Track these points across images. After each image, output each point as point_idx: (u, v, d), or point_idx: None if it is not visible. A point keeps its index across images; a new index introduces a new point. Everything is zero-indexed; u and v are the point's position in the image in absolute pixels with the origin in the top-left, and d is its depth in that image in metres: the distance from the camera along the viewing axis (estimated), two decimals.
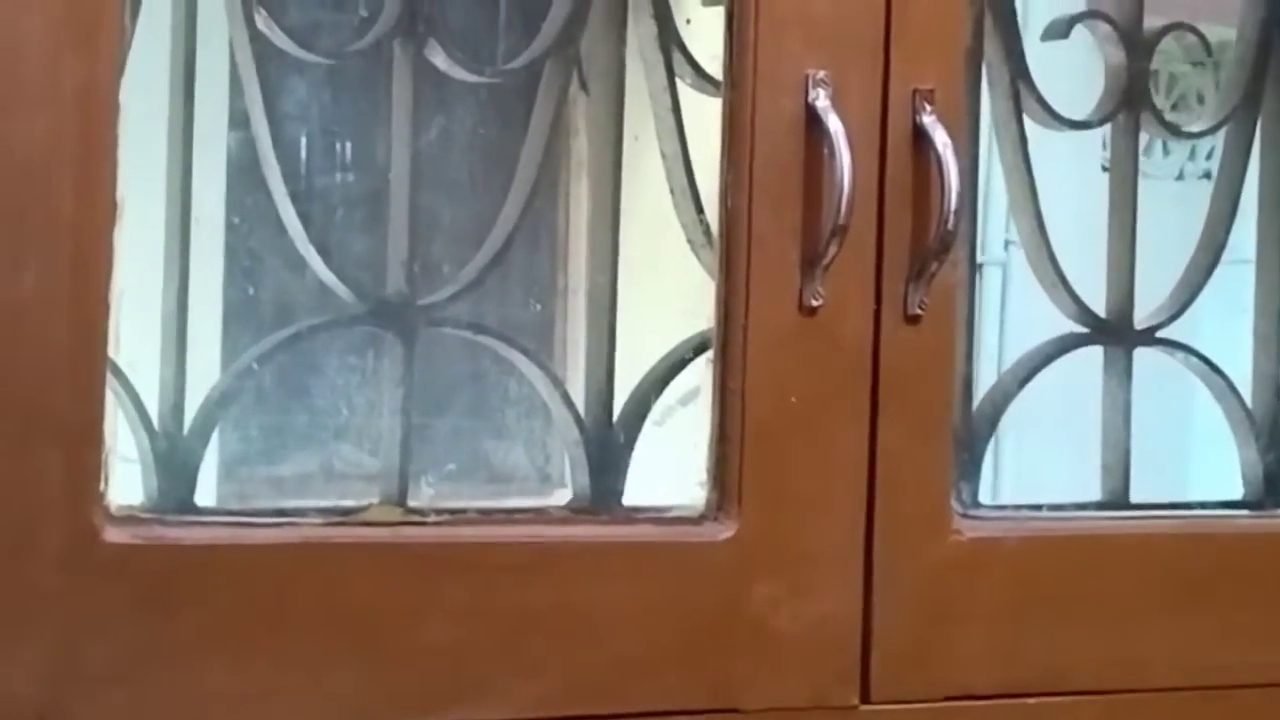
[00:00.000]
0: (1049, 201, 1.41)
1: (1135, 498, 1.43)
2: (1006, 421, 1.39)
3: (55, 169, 1.06)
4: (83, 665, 1.05)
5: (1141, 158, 1.42)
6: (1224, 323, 1.55)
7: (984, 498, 1.36)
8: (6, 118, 1.04)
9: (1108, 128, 1.44)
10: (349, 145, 1.48)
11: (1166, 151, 2.60)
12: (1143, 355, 1.46)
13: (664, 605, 1.20)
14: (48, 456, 1.05)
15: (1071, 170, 1.47)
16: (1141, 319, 1.45)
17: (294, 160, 1.28)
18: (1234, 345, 1.51)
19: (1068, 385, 1.45)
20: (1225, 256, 1.49)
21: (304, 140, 1.47)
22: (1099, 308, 1.43)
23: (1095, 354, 1.45)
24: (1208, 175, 1.53)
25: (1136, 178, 1.45)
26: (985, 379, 1.41)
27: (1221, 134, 1.49)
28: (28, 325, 1.05)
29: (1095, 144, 1.46)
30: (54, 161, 1.06)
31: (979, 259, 2.57)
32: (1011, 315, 2.54)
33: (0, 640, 1.03)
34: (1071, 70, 1.50)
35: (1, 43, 1.04)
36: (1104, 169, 1.47)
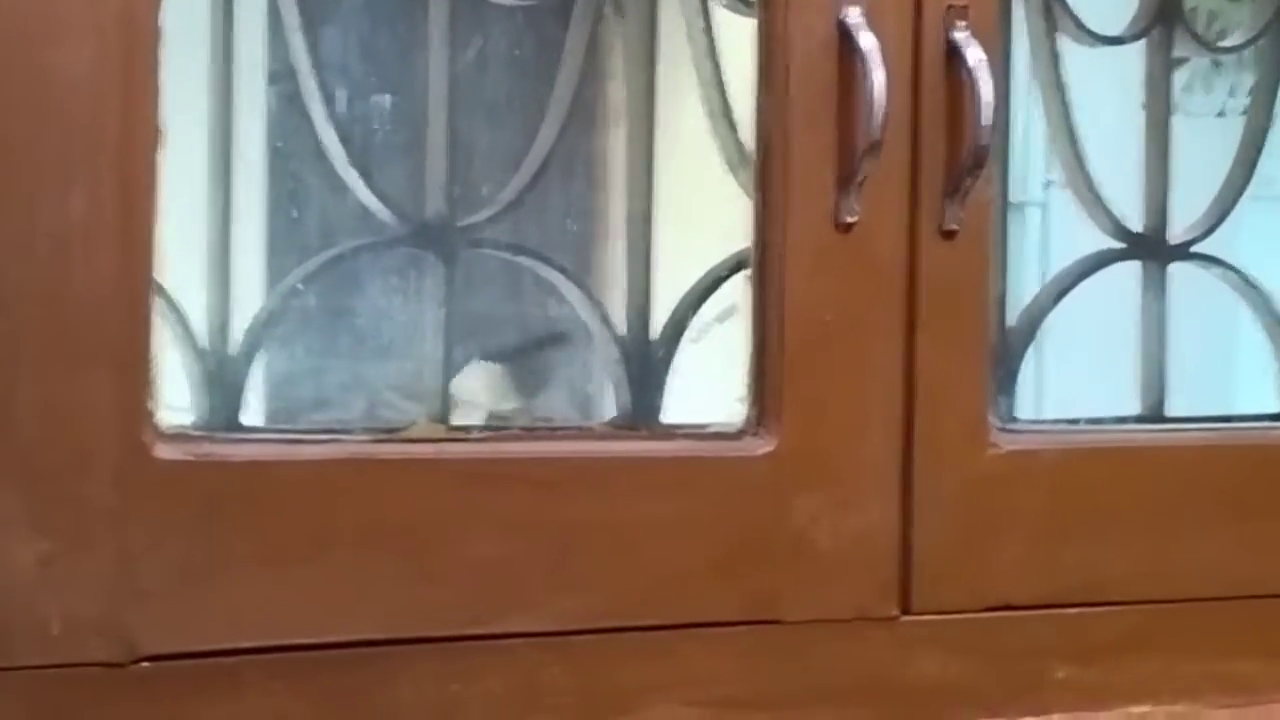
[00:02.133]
0: (1090, 126, 1.42)
1: (1181, 411, 1.44)
2: (1051, 338, 1.40)
3: (99, 96, 1.07)
4: (140, 580, 1.07)
5: (1182, 94, 1.42)
6: (1264, 257, 1.55)
7: (1028, 413, 1.37)
8: (50, 47, 1.06)
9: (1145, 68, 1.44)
10: (387, 70, 1.50)
11: (1208, 89, 2.58)
12: (1189, 272, 1.46)
13: (705, 520, 1.22)
14: (99, 378, 1.07)
15: (1110, 95, 1.47)
16: (1177, 234, 1.46)
17: (333, 84, 1.29)
18: (1276, 272, 1.51)
19: (1111, 301, 1.45)
20: (1266, 191, 1.49)
21: (343, 65, 1.48)
22: (1139, 224, 1.44)
23: (1136, 270, 1.46)
24: (1248, 112, 1.53)
25: (1170, 94, 1.46)
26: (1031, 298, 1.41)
27: (1253, 63, 1.50)
28: (75, 249, 1.07)
29: (1136, 83, 1.46)
30: (97, 88, 1.07)
31: (1019, 199, 2.57)
32: (1052, 255, 2.54)
33: (62, 556, 1.05)
34: None
35: None
36: (1143, 108, 1.48)
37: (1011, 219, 1.44)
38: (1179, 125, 1.47)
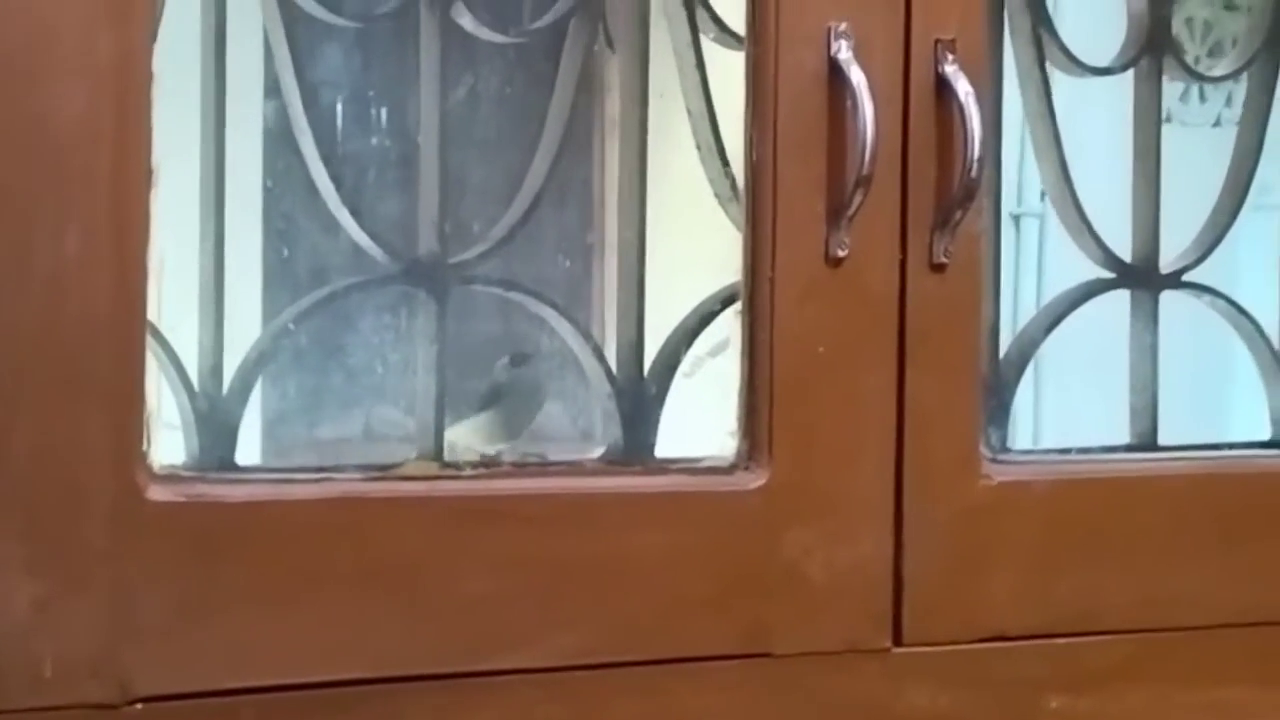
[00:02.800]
0: (1085, 151, 1.42)
1: (1175, 440, 1.45)
2: (1046, 367, 1.40)
3: (92, 137, 1.08)
4: (134, 619, 1.08)
5: (1178, 104, 1.43)
6: (1262, 266, 1.56)
7: (1024, 443, 1.37)
8: (45, 89, 1.06)
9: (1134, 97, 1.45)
10: (379, 107, 1.50)
11: (1203, 98, 2.59)
12: (1181, 299, 1.47)
13: (697, 554, 1.22)
14: (92, 418, 1.08)
15: (1105, 120, 1.48)
16: (1168, 263, 1.47)
17: (325, 123, 1.30)
18: (1273, 288, 1.52)
19: (1105, 329, 1.46)
20: (1262, 200, 1.50)
21: (335, 103, 1.49)
22: (1130, 253, 1.44)
23: (1127, 299, 1.46)
24: (1239, 129, 1.54)
25: (1160, 123, 1.46)
26: (1021, 327, 1.42)
27: (1245, 79, 1.50)
28: (69, 290, 1.07)
29: (1129, 94, 1.47)
30: (91, 130, 1.08)
31: (1017, 210, 2.57)
32: (1049, 265, 2.55)
33: (55, 598, 1.06)
34: (1096, 17, 1.51)
35: (39, 18, 1.06)
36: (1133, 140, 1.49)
37: (1009, 231, 1.44)
38: (1174, 135, 1.47)
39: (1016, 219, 2.62)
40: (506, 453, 1.45)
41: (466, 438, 1.37)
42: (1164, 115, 1.48)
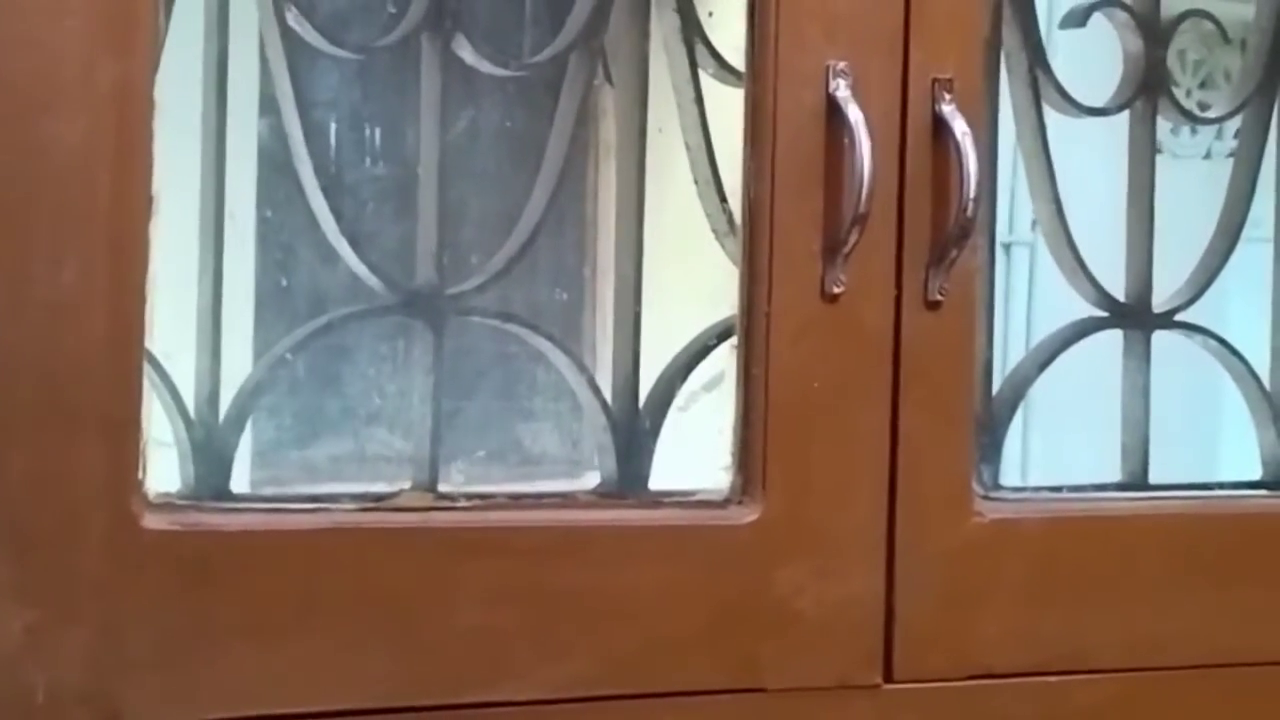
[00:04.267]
0: (1081, 187, 1.43)
1: (1165, 479, 1.45)
2: (1037, 405, 1.40)
3: (93, 166, 1.08)
4: (126, 650, 1.08)
5: (1169, 137, 1.43)
6: (1253, 301, 1.56)
7: (1014, 480, 1.38)
8: (46, 118, 1.07)
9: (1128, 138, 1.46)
10: (379, 138, 1.51)
11: (1194, 131, 2.60)
12: (1170, 338, 1.47)
13: (690, 588, 1.22)
14: (88, 447, 1.08)
15: (1101, 156, 1.49)
16: (1162, 301, 1.47)
17: (325, 154, 1.30)
18: (1264, 324, 1.52)
19: (1098, 368, 1.47)
20: (1252, 234, 1.50)
21: (334, 134, 1.49)
22: (1123, 292, 1.45)
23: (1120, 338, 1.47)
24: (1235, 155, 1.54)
25: (1154, 163, 1.47)
26: (1014, 357, 1.42)
27: (1239, 117, 1.51)
28: (67, 319, 1.07)
29: (1123, 131, 1.48)
30: (91, 159, 1.08)
31: (1008, 239, 2.57)
32: (1040, 292, 2.55)
33: (49, 626, 1.06)
34: (1093, 57, 1.52)
35: (41, 47, 1.06)
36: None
37: (999, 259, 1.45)
38: (1165, 167, 1.48)
39: (1007, 247, 2.63)
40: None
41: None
42: (1154, 147, 1.49)
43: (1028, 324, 2.48)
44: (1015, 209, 2.25)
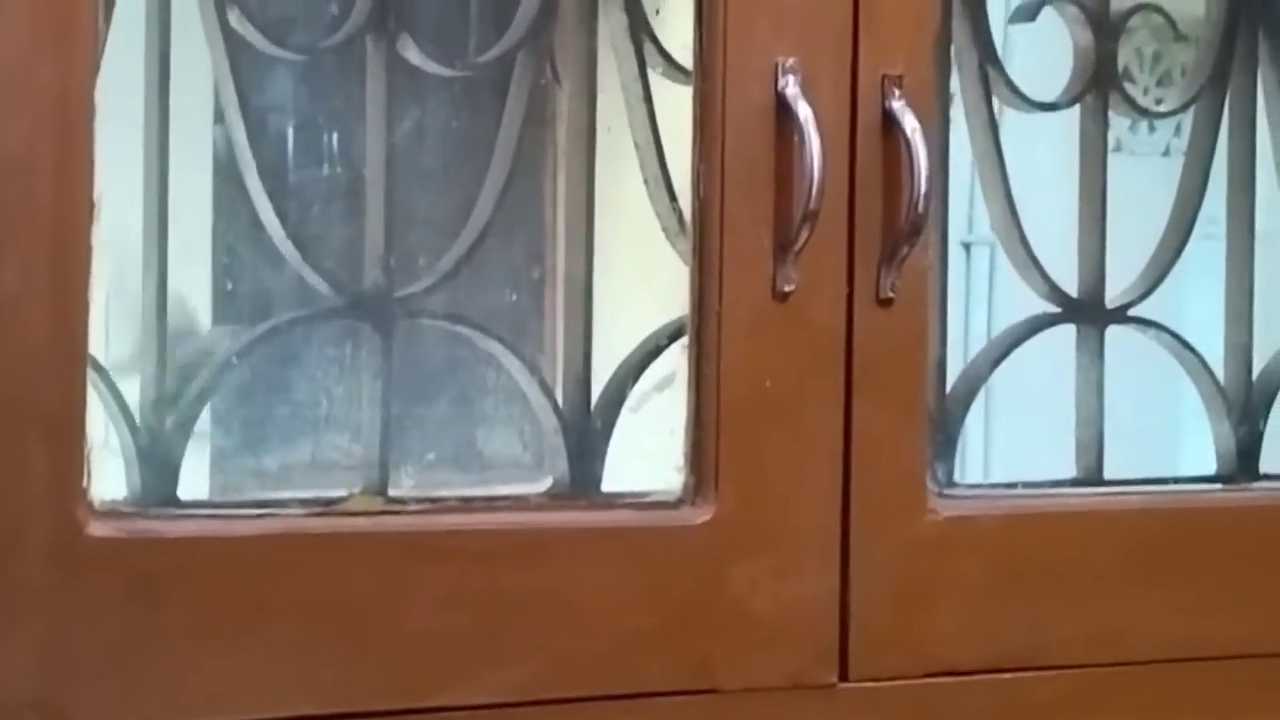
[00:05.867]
0: (1040, 184, 1.43)
1: (1124, 474, 1.45)
2: (999, 402, 1.40)
3: (33, 169, 1.07)
4: (73, 658, 1.07)
5: (1127, 134, 1.43)
6: (1206, 294, 1.56)
7: (974, 476, 1.37)
8: None
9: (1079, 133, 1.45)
10: (324, 140, 1.50)
11: (1152, 128, 2.60)
12: (1127, 334, 1.47)
13: (643, 589, 1.22)
14: (31, 452, 1.07)
15: (1059, 153, 1.49)
16: (1116, 297, 1.47)
17: (270, 156, 1.29)
18: (1220, 319, 1.52)
19: (1057, 364, 1.46)
20: (1207, 230, 1.50)
21: (279, 136, 1.48)
22: (1075, 288, 1.45)
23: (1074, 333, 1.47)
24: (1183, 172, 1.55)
25: (1105, 158, 1.47)
26: (974, 354, 1.42)
27: (1191, 112, 1.51)
28: (8, 323, 1.06)
29: (1076, 128, 1.48)
30: (32, 162, 1.07)
31: (968, 238, 2.58)
32: (1000, 292, 2.56)
33: None
34: (1047, 52, 1.52)
35: None
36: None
37: (959, 258, 1.45)
38: (1123, 164, 1.48)
39: (967, 246, 2.63)
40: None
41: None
42: (1113, 144, 1.48)
43: (989, 323, 2.48)
44: (975, 209, 2.25)
